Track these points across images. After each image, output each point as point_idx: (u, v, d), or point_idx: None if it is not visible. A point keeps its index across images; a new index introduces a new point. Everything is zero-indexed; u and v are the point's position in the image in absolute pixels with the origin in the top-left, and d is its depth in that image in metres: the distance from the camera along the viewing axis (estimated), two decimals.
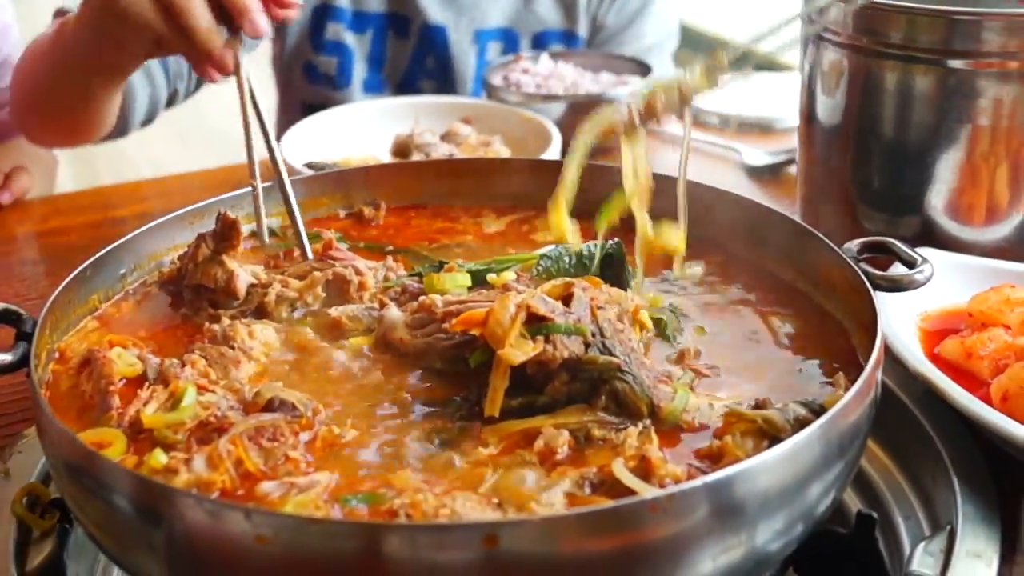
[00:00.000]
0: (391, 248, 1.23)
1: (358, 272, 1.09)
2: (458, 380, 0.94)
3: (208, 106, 1.65)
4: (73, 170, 5.32)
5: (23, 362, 0.91)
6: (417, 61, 2.26)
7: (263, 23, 1.23)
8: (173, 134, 5.74)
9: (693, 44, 4.47)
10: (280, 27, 2.16)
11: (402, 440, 0.87)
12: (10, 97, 1.82)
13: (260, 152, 1.19)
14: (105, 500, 0.80)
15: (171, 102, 1.92)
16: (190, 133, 5.74)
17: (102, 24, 1.36)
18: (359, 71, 2.25)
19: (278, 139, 1.95)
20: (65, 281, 1.02)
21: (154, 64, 1.80)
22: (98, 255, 1.08)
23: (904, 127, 1.44)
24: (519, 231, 1.28)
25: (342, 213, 1.31)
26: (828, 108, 1.52)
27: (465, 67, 2.27)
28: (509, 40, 2.28)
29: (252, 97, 1.21)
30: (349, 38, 2.20)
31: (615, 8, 2.31)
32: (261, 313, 1.06)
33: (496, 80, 1.98)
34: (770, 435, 0.85)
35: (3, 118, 2.10)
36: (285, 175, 1.19)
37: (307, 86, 2.26)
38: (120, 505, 0.78)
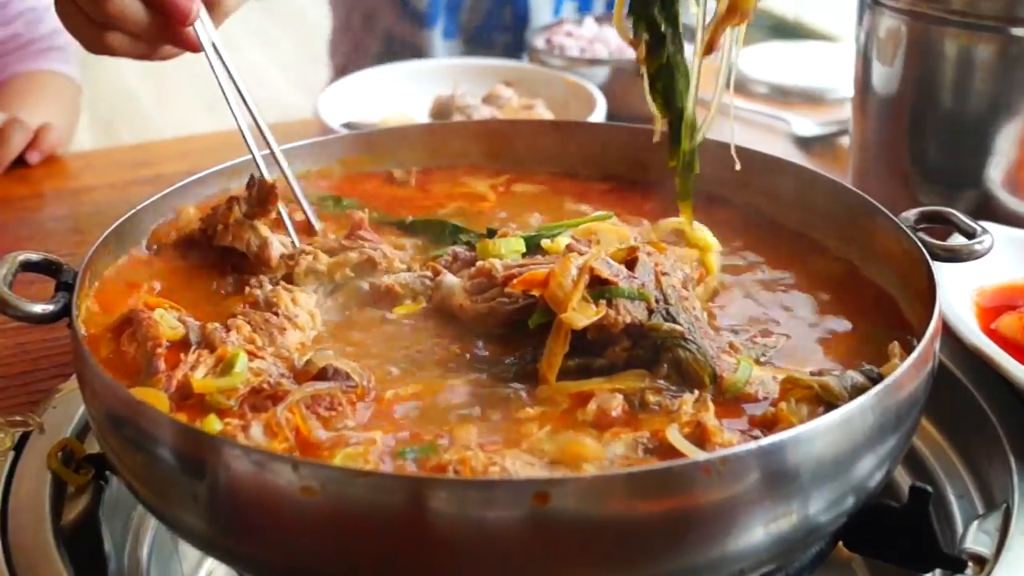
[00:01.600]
0: (411, 219, 1.21)
1: (385, 256, 1.10)
2: (514, 343, 0.95)
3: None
4: (93, 134, 5.38)
5: (64, 312, 0.93)
6: (494, 12, 2.28)
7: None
8: (198, 99, 5.79)
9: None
10: None
11: (454, 400, 0.89)
12: None
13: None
14: (148, 452, 0.81)
15: None
16: (217, 98, 5.78)
17: None
18: (441, 13, 2.26)
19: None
20: (105, 233, 1.04)
21: None
22: (136, 209, 1.09)
23: (964, 97, 1.44)
24: (558, 197, 1.29)
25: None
26: (884, 77, 1.52)
27: (539, 24, 2.26)
28: (584, 1, 2.29)
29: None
30: None
31: None
32: (288, 283, 1.06)
33: (539, 43, 1.99)
34: (826, 402, 0.86)
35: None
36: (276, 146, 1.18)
37: (394, 19, 2.27)
38: (163, 456, 0.80)
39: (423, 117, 1.76)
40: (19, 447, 1.07)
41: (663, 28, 1.05)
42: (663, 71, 1.08)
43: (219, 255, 1.10)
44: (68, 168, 1.86)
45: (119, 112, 5.63)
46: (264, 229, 1.09)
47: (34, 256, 0.98)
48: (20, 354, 1.29)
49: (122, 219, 1.07)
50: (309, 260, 1.07)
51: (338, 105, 1.74)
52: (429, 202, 1.27)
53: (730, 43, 1.07)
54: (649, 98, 1.07)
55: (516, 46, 2.27)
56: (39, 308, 0.92)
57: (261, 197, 1.09)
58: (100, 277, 1.06)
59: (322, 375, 0.90)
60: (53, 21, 2.16)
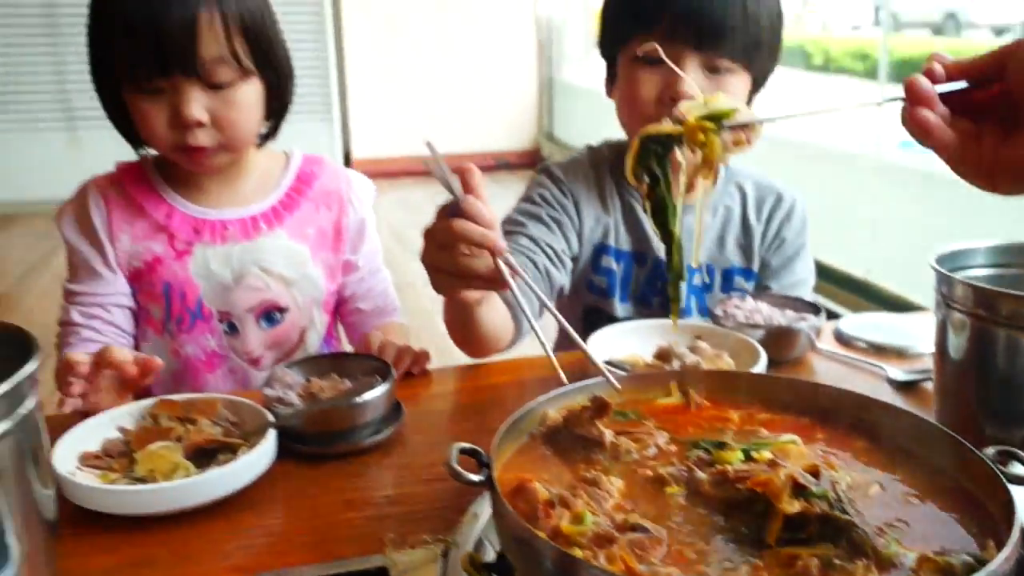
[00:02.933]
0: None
1: (661, 448, 1.25)
2: (746, 519, 1.04)
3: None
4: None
5: (489, 482, 1.08)
6: (650, 282, 2.40)
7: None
8: None
9: (825, 276, 4.50)
10: (575, 261, 2.34)
11: (713, 553, 0.99)
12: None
13: None
14: (539, 564, 0.95)
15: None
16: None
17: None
18: (617, 287, 2.41)
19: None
20: (503, 428, 1.16)
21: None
22: (520, 413, 1.22)
23: (1012, 366, 1.50)
24: (748, 423, 1.34)
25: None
26: (956, 348, 1.59)
27: (680, 290, 2.37)
28: (708, 272, 2.41)
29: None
30: (614, 265, 2.37)
31: (778, 254, 2.43)
32: (614, 455, 1.21)
33: (718, 311, 2.13)
34: (948, 573, 0.93)
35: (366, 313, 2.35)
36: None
37: (588, 295, 2.41)
38: (548, 567, 0.94)
39: (649, 358, 1.90)
40: (444, 554, 1.22)
41: (658, 173, 1.19)
42: (657, 204, 1.21)
43: (573, 438, 1.22)
44: (433, 378, 2.00)
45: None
46: (601, 426, 1.23)
47: (465, 445, 1.13)
48: (434, 498, 1.44)
49: (511, 420, 1.18)
50: (626, 443, 1.22)
51: (598, 349, 1.90)
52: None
53: (702, 188, 1.21)
54: (649, 225, 1.18)
55: (664, 304, 2.35)
56: (476, 477, 1.07)
57: (599, 408, 1.25)
58: (504, 460, 1.18)
59: (632, 528, 1.02)
60: (392, 293, 2.42)
